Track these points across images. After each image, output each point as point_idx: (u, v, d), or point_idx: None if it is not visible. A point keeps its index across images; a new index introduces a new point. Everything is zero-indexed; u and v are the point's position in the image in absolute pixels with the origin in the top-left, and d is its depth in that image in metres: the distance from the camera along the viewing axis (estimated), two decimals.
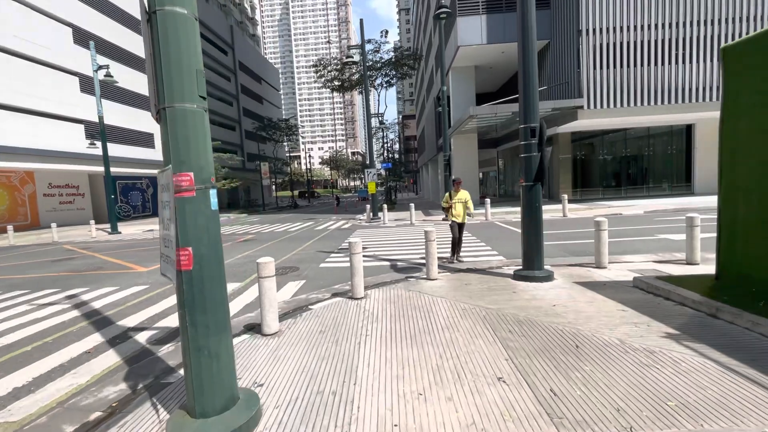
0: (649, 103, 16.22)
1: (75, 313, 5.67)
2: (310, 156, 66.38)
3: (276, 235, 14.48)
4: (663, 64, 16.06)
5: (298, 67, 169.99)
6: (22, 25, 20.08)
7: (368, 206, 17.22)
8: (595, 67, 15.98)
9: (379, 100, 29.46)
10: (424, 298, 5.13)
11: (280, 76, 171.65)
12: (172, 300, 6.08)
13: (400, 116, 76.11)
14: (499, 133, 25.40)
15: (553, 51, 18.45)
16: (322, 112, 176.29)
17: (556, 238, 9.92)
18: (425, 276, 6.31)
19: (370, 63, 25.78)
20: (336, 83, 27.46)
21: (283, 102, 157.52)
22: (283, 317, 4.69)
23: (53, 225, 16.99)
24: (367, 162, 18.07)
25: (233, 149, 43.90)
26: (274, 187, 63.47)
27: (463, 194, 7.37)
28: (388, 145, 53.60)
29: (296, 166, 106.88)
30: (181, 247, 2.25)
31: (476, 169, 22.72)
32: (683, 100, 16.24)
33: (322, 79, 27.36)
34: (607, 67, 16.01)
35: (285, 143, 57.78)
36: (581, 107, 15.97)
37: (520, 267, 6.07)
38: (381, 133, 38.86)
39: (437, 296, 5.19)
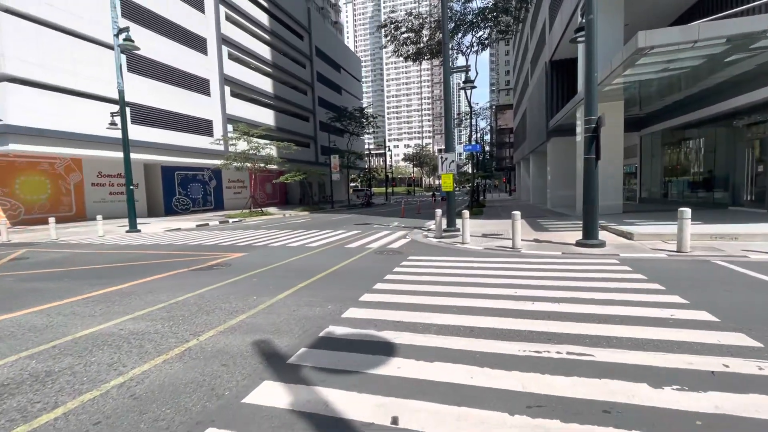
0: None
1: None
2: (389, 149, 61.40)
3: (276, 256, 8.67)
4: None
5: (387, 64, 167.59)
6: None
7: (438, 212, 10.68)
8: None
9: (468, 67, 21.90)
10: None
11: (370, 73, 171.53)
12: None
13: (493, 107, 66.24)
14: (650, 106, 16.63)
15: None
16: (410, 109, 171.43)
17: None
18: None
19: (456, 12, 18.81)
20: (411, 48, 20.93)
21: (371, 99, 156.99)
22: None
23: (99, 217, 14.26)
24: (443, 146, 11.61)
25: (305, 141, 40.60)
26: (359, 183, 59.30)
27: None
28: (478, 135, 45.39)
29: (381, 163, 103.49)
30: None
31: (621, 158, 14.43)
32: None
33: (394, 44, 21.07)
34: None
35: (364, 136, 53.34)
36: None
37: None
38: (467, 119, 30.57)
39: None
